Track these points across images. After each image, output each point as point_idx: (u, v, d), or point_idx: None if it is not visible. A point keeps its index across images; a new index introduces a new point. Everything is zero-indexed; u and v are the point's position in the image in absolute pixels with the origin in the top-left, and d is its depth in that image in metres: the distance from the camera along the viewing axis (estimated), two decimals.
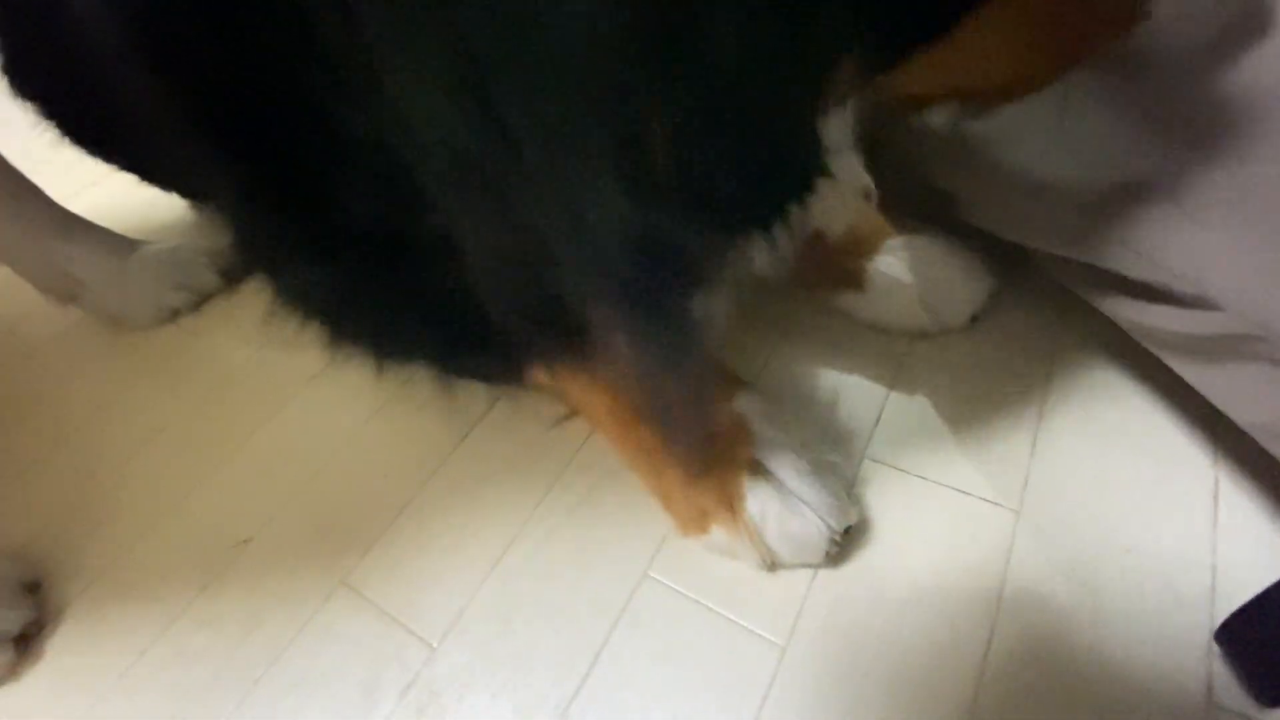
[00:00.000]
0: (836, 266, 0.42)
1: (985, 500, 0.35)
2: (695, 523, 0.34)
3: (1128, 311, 0.33)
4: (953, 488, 0.36)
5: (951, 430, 0.39)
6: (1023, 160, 0.34)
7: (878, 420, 0.40)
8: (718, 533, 0.33)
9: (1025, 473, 0.36)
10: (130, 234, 0.57)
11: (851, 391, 0.41)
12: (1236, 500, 0.33)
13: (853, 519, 0.33)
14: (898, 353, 0.43)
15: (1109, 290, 0.34)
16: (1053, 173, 0.33)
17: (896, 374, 0.42)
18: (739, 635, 0.33)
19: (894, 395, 0.41)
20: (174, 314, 0.56)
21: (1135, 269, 0.30)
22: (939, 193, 0.39)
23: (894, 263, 0.41)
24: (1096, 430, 0.37)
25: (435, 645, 0.35)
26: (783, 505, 0.31)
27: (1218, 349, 0.29)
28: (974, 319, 0.42)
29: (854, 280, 0.41)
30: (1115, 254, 0.30)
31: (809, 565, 0.34)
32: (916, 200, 0.41)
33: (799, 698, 0.30)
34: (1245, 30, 0.28)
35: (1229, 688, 0.28)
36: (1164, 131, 0.29)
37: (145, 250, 0.56)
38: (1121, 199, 0.30)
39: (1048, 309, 0.43)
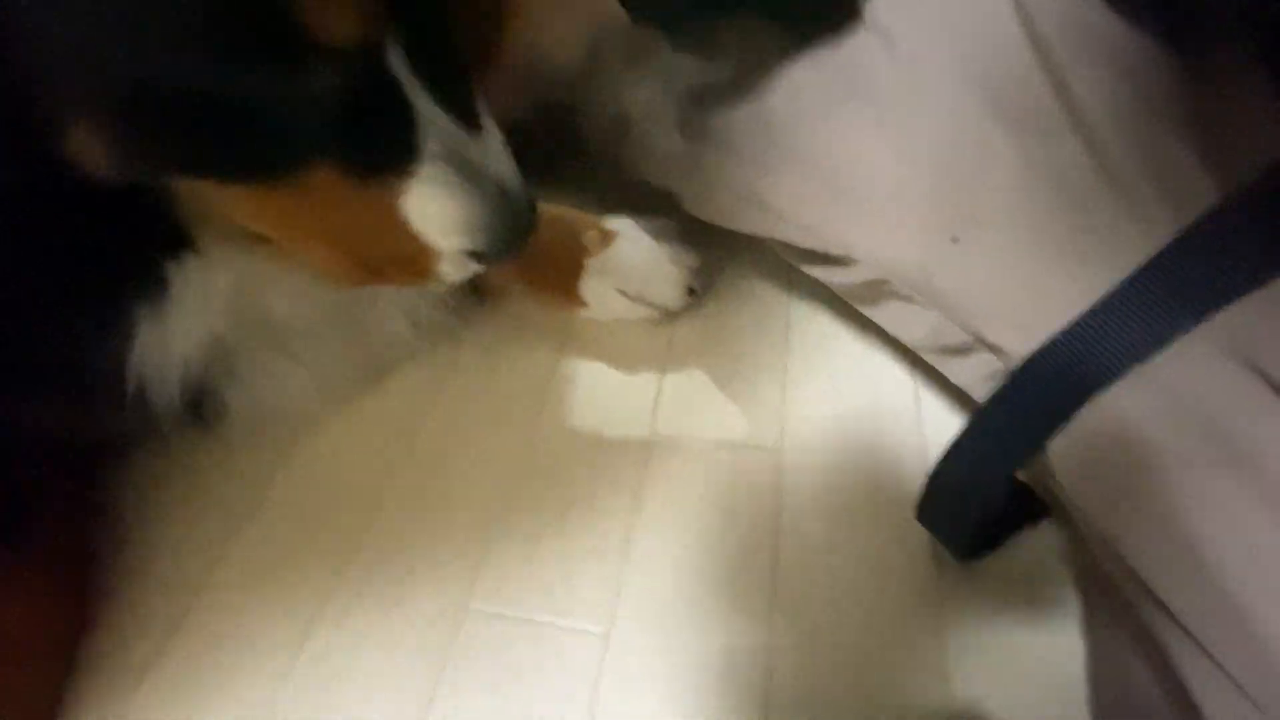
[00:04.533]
0: (559, 293, 0.46)
1: (752, 446, 0.40)
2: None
3: (819, 274, 0.41)
4: (726, 442, 0.41)
5: (717, 392, 0.43)
6: (730, 167, 0.40)
7: (656, 399, 0.43)
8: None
9: (780, 416, 0.42)
10: None
11: (630, 378, 0.45)
12: (933, 401, 0.41)
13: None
14: (665, 335, 0.47)
15: (803, 260, 0.41)
16: (742, 177, 0.39)
17: (668, 354, 0.46)
18: (563, 637, 0.34)
19: (668, 374, 0.45)
20: None
21: (805, 241, 0.37)
22: (658, 192, 0.44)
23: (597, 276, 0.45)
24: (828, 369, 0.44)
25: None
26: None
27: (872, 292, 0.36)
28: (692, 292, 0.46)
29: (577, 300, 0.46)
30: (791, 232, 0.37)
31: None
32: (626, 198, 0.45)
33: (630, 672, 0.32)
34: None
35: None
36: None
37: None
38: (788, 192, 0.37)
39: (777, 276, 0.49)
